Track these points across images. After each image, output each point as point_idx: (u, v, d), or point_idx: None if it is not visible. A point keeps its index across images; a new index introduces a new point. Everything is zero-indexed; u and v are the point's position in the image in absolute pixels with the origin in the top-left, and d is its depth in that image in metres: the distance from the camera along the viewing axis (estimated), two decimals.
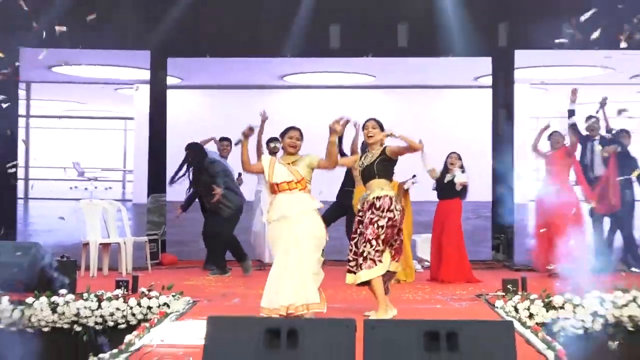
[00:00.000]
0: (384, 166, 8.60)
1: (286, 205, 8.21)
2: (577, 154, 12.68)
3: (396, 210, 8.52)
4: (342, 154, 10.96)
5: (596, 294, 8.97)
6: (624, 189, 12.48)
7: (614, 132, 12.81)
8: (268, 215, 8.36)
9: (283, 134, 8.49)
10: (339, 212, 12.28)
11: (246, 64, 14.94)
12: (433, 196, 12.05)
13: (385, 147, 8.65)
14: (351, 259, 8.56)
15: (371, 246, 8.39)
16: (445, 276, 11.57)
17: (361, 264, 8.41)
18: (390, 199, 8.49)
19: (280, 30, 14.13)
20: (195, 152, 12.34)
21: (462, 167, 11.70)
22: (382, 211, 8.43)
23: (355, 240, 8.58)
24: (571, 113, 12.58)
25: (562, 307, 8.84)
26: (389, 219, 8.43)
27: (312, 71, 15.85)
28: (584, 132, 12.77)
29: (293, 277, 8.05)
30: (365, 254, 8.39)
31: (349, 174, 12.04)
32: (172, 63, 14.80)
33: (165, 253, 14.05)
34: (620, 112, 12.80)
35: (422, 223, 13.52)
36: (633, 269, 11.93)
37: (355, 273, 8.49)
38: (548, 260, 11.58)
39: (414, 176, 11.17)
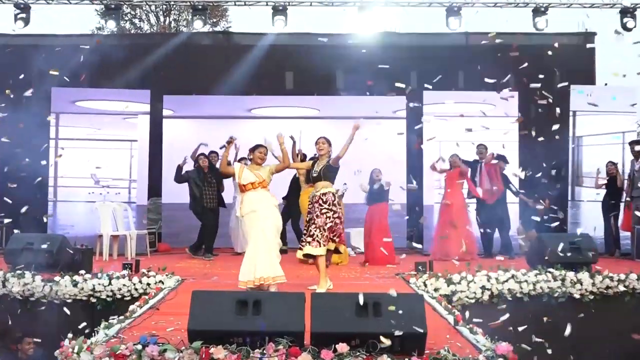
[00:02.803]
0: (329, 171, 8.59)
1: (254, 200, 8.27)
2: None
3: (338, 205, 8.58)
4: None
5: (484, 272, 8.94)
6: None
7: (496, 155, 12.69)
8: (240, 210, 8.38)
9: (254, 149, 8.55)
10: (287, 215, 12.10)
11: (223, 100, 14.83)
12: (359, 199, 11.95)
13: (330, 158, 8.64)
14: (303, 240, 8.49)
15: (320, 231, 8.34)
16: (377, 260, 11.29)
17: (310, 241, 8.34)
18: (333, 195, 8.55)
19: (250, 75, 14.38)
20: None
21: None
22: (329, 205, 8.42)
23: (308, 226, 8.52)
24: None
25: (459, 283, 8.81)
26: (334, 212, 8.43)
27: (272, 105, 15.81)
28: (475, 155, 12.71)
29: (264, 257, 8.08)
30: (314, 236, 8.34)
31: (292, 186, 12.44)
32: (166, 99, 14.74)
33: (161, 242, 13.84)
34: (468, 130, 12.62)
35: (353, 219, 13.41)
36: (509, 256, 11.88)
37: (302, 249, 8.45)
38: (444, 251, 11.61)
39: (345, 184, 11.08)
